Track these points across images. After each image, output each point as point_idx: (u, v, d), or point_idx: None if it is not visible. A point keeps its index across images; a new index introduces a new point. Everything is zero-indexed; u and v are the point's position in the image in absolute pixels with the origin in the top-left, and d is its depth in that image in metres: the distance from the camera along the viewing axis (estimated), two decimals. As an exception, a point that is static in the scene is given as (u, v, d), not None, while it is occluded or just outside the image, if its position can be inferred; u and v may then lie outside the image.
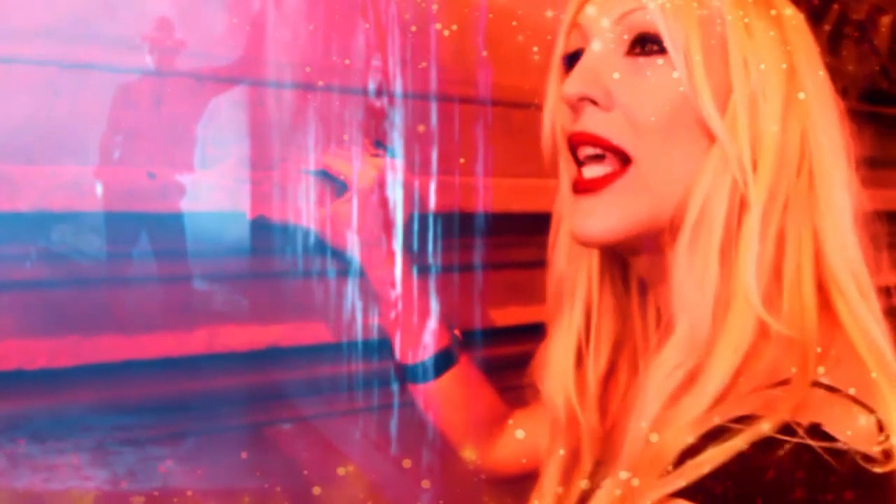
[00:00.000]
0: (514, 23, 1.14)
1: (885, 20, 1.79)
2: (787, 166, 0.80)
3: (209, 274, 1.02)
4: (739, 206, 0.79)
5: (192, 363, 0.99)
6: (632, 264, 0.91)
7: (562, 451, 0.95)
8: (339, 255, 1.05)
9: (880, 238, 0.86)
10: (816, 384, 0.73)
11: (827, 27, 1.66)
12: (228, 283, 1.03)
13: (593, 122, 0.82)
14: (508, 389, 1.11)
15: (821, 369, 0.74)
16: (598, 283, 0.94)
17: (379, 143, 1.06)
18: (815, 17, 1.65)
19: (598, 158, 0.83)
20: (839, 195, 0.82)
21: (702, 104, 0.79)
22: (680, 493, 0.69)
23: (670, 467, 0.71)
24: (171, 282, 1.00)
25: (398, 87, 1.07)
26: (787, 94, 0.81)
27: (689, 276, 0.80)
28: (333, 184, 1.05)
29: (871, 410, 0.72)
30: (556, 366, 0.95)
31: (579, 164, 0.85)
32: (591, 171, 0.84)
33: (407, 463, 1.02)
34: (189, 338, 1.00)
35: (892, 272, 0.88)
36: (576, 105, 0.83)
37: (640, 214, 0.82)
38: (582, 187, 0.84)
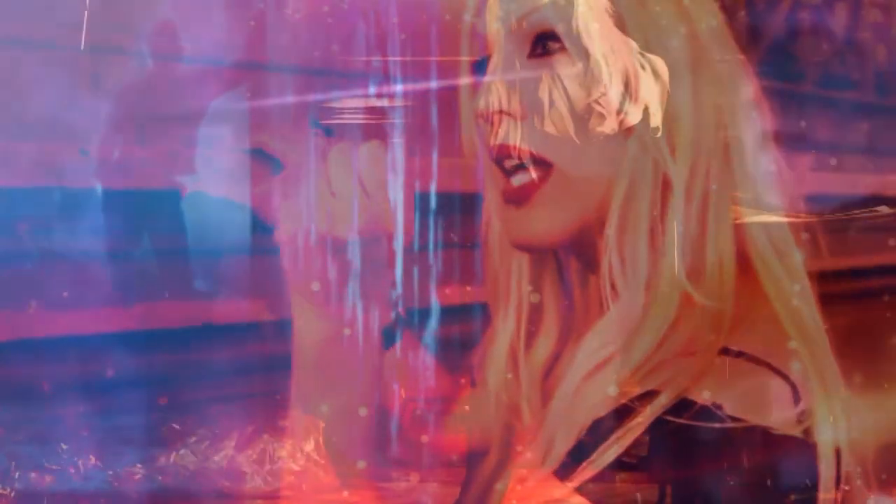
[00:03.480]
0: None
1: (842, 6, 1.80)
2: (705, 141, 0.82)
3: (143, 251, 1.02)
4: (663, 186, 0.81)
5: (124, 339, 0.99)
6: (565, 257, 0.92)
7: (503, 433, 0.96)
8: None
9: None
10: (727, 351, 0.74)
11: (783, 12, 1.66)
12: (163, 259, 1.03)
13: (511, 133, 0.83)
14: (460, 369, 1.12)
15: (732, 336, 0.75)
16: (530, 277, 0.95)
17: (316, 123, 1.06)
18: (772, 2, 1.66)
19: (522, 167, 0.84)
20: (756, 165, 0.83)
21: (610, 94, 0.80)
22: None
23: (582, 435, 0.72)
24: (108, 258, 1.00)
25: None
26: (695, 69, 0.82)
27: (620, 260, 0.81)
28: (270, 162, 1.05)
29: (784, 376, 0.74)
30: (495, 357, 0.97)
31: (506, 173, 0.86)
32: (519, 179, 0.85)
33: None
34: (126, 314, 1.01)
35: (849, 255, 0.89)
36: (489, 118, 0.84)
37: (570, 215, 0.84)
38: (512, 196, 0.85)
